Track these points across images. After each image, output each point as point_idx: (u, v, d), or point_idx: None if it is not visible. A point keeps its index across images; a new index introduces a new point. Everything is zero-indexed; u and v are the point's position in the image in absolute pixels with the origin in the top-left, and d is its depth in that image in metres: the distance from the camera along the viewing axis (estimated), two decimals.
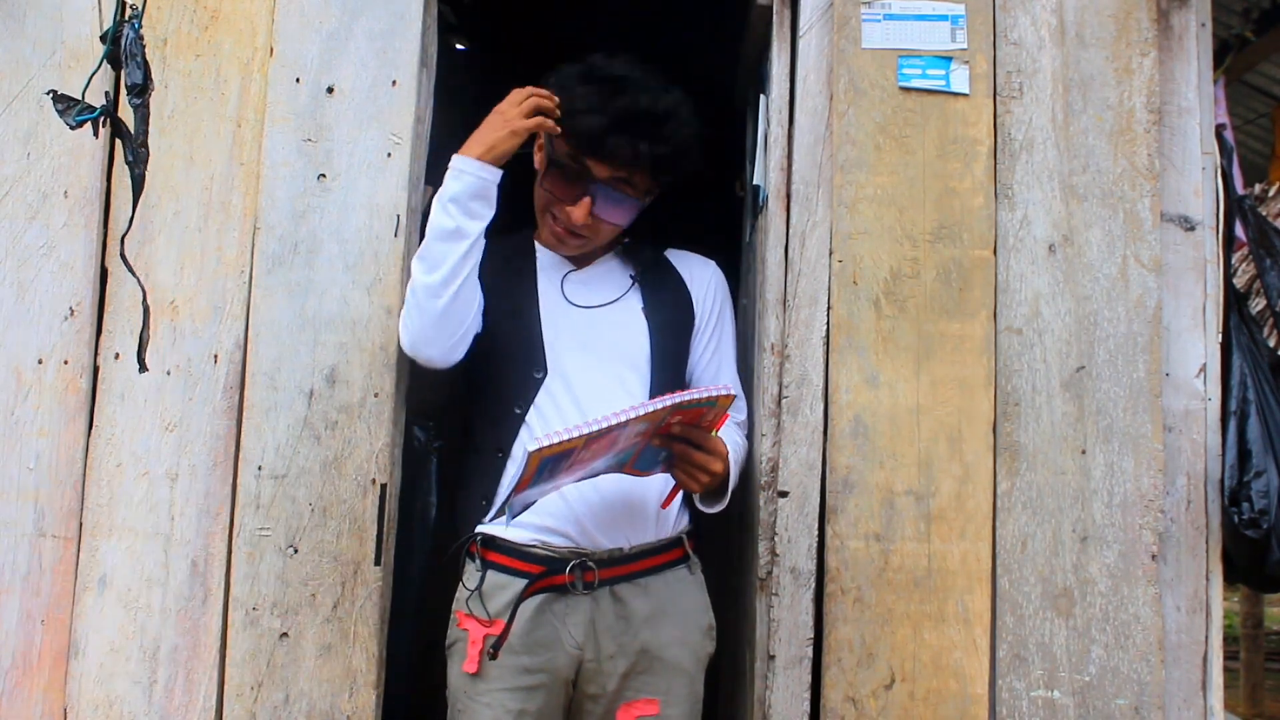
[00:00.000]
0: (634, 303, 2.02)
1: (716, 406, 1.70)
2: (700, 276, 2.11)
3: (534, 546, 1.88)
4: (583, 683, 1.89)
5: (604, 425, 1.58)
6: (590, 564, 1.87)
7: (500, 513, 1.71)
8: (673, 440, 1.73)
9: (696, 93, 1.99)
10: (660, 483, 1.91)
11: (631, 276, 2.05)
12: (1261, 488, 1.97)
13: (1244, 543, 1.97)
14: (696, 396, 1.66)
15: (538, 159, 2.01)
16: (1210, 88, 2.10)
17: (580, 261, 2.05)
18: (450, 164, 1.85)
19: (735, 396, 1.70)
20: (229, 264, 1.97)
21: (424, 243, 1.87)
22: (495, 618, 1.86)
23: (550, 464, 1.61)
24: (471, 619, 1.87)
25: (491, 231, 2.08)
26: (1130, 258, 1.99)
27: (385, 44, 2.00)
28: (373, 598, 1.90)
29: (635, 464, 1.79)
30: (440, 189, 1.85)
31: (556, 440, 1.56)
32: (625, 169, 1.90)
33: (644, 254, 2.09)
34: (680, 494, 1.98)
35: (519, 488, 1.62)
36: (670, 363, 2.00)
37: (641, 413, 1.61)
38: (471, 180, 1.83)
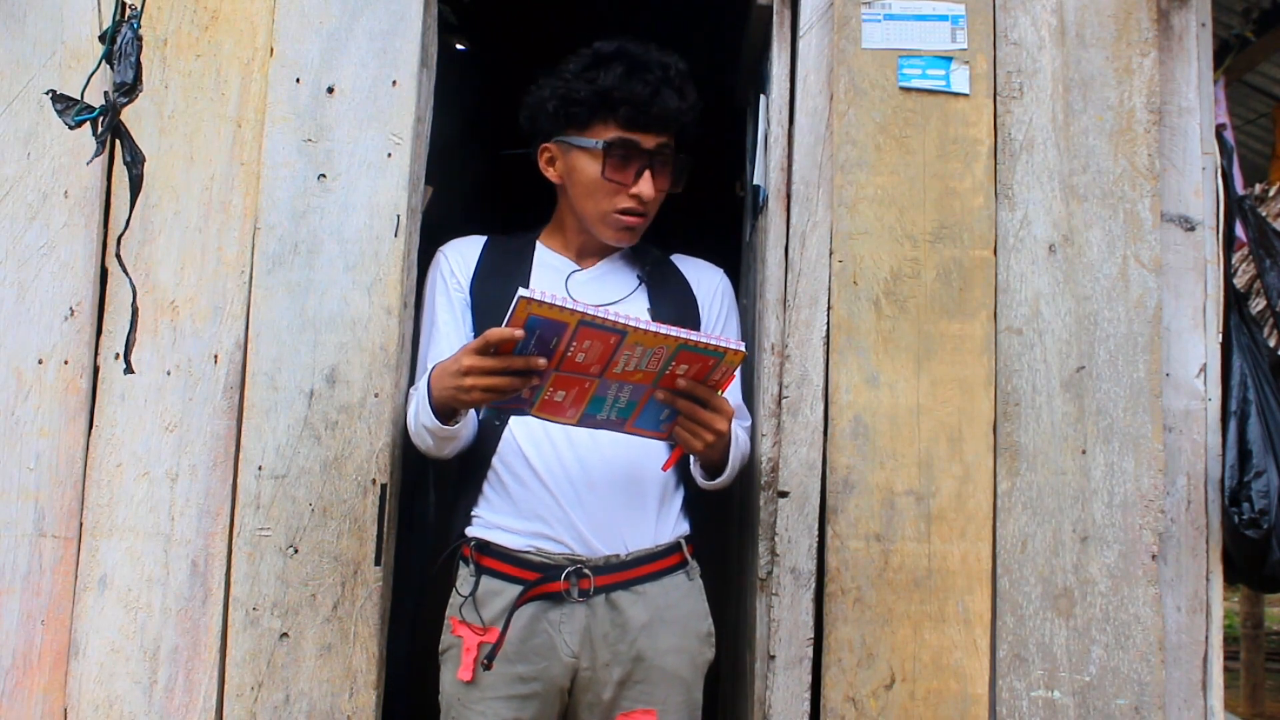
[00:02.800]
0: (640, 303, 2.00)
1: (725, 360, 1.65)
2: (707, 283, 2.09)
3: (529, 552, 1.87)
4: (578, 691, 1.87)
5: (602, 315, 1.54)
6: (586, 571, 1.85)
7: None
8: (677, 396, 1.70)
9: (696, 93, 1.98)
10: (657, 480, 1.90)
11: (639, 277, 2.04)
12: (1261, 488, 1.97)
13: (1244, 543, 1.96)
14: (706, 341, 1.62)
15: (551, 173, 1.99)
16: (1210, 88, 2.10)
17: (586, 261, 2.04)
18: (421, 409, 1.84)
19: (745, 355, 1.67)
20: (229, 264, 1.97)
21: (418, 423, 1.86)
22: (489, 625, 1.84)
23: (539, 332, 1.56)
24: (465, 626, 1.86)
25: (491, 232, 2.09)
26: (1130, 258, 1.98)
27: (385, 44, 1.99)
28: (373, 598, 1.90)
29: (637, 421, 1.75)
30: (419, 411, 1.85)
31: (550, 300, 1.51)
32: (668, 132, 1.92)
33: (650, 255, 2.08)
34: (680, 494, 1.98)
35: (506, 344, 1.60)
36: None
37: (644, 328, 1.57)
38: (441, 439, 1.87)
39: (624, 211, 1.93)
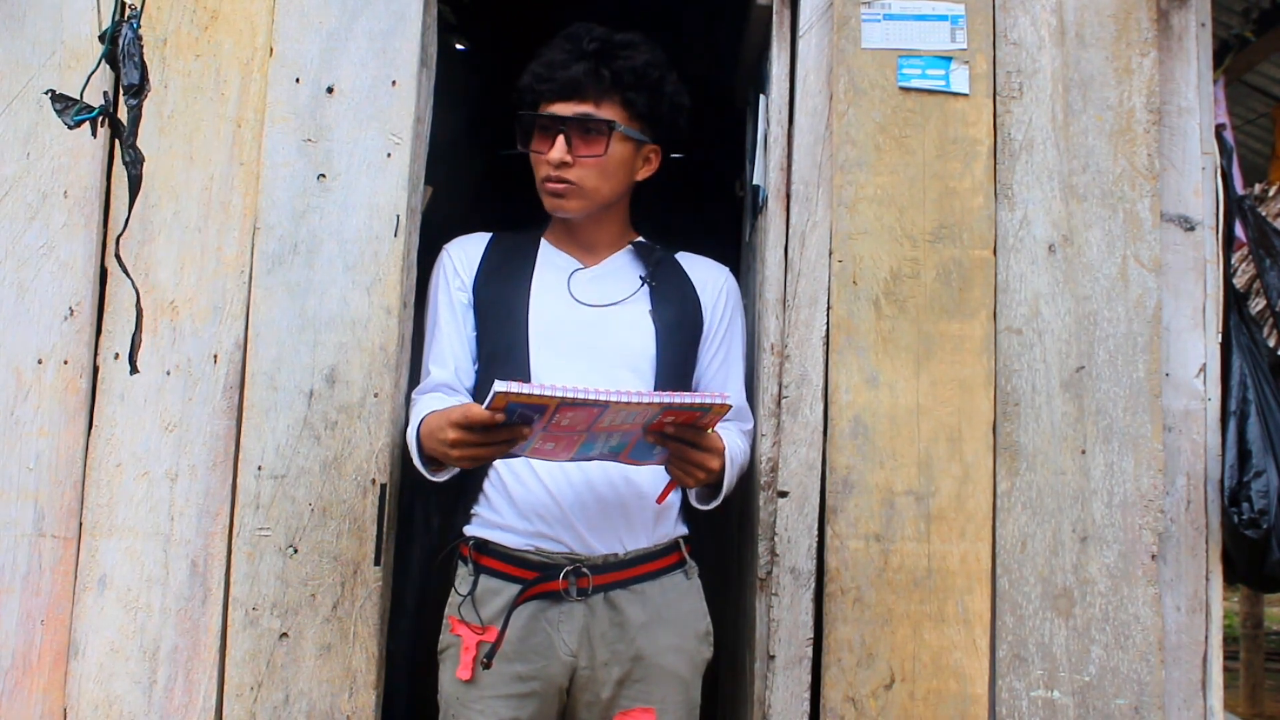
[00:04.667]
0: (642, 304, 1.99)
1: (711, 413, 1.65)
2: (713, 283, 2.07)
3: (527, 551, 1.86)
4: (577, 690, 1.87)
5: (581, 395, 1.53)
6: (585, 570, 1.85)
7: None
8: (667, 439, 1.70)
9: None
10: (655, 483, 1.88)
11: (641, 277, 2.02)
12: (1261, 488, 1.97)
13: (1244, 543, 1.96)
14: (689, 401, 1.61)
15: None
16: (1210, 88, 2.10)
17: (590, 259, 2.03)
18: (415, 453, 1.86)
19: (731, 407, 1.66)
20: (229, 264, 1.97)
21: (413, 457, 1.88)
22: (488, 624, 1.84)
23: (521, 414, 1.56)
24: (464, 625, 1.86)
25: (498, 228, 2.10)
26: (1130, 258, 1.98)
27: (385, 44, 1.99)
28: (372, 598, 1.90)
29: (631, 453, 1.75)
30: (412, 449, 1.86)
31: (526, 390, 1.51)
32: (590, 100, 1.92)
33: (654, 254, 2.06)
34: (679, 497, 1.98)
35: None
36: (675, 369, 1.96)
37: (625, 400, 1.56)
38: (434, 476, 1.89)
39: (545, 179, 1.95)
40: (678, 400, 1.60)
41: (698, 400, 1.61)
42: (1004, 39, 2.03)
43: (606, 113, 1.92)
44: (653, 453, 1.75)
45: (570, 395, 1.52)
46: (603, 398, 1.54)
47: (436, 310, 2.00)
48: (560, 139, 1.90)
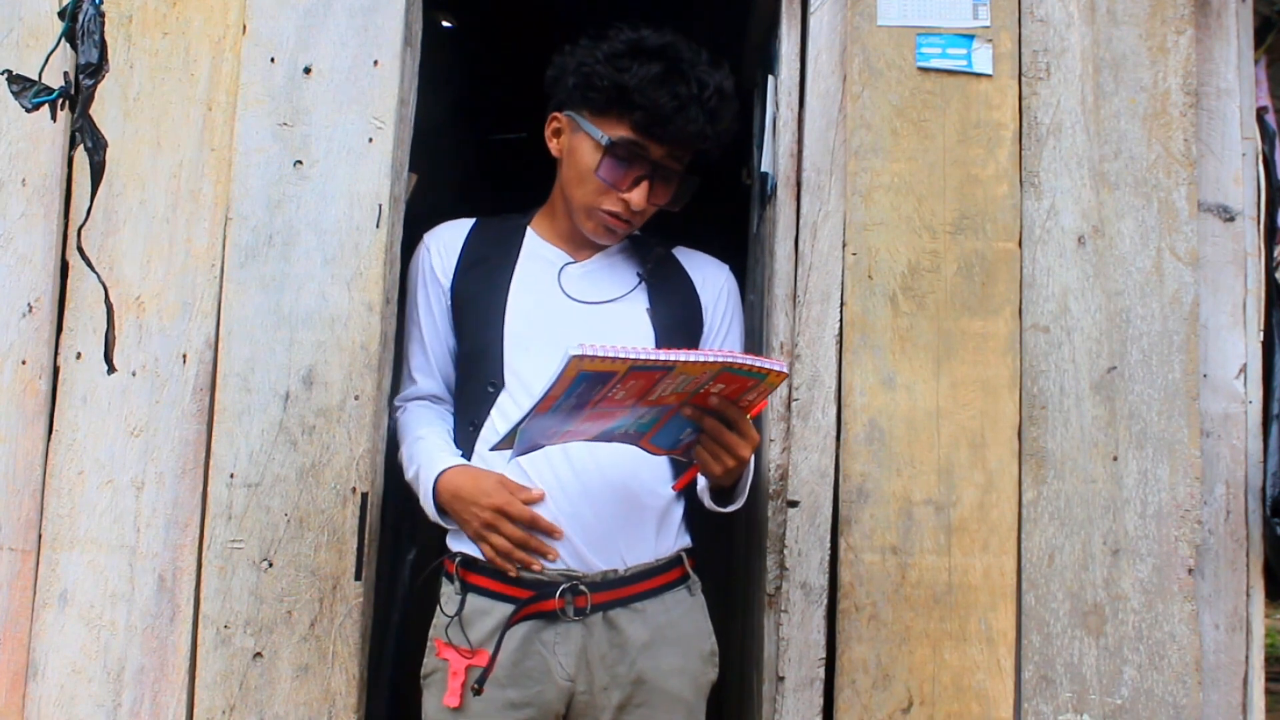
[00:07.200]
0: (639, 302, 1.89)
1: (765, 382, 1.56)
2: (712, 281, 1.98)
3: (520, 567, 1.76)
4: (574, 716, 1.78)
5: (653, 357, 1.47)
6: (582, 587, 1.75)
7: (507, 443, 1.57)
8: (705, 414, 1.60)
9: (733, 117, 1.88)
10: (655, 493, 1.80)
11: (638, 274, 1.93)
12: None
13: None
14: (749, 363, 1.53)
15: (554, 145, 1.89)
16: (1251, 68, 2.01)
17: (581, 253, 1.93)
18: (423, 497, 1.81)
19: (787, 376, 1.58)
20: (199, 257, 1.87)
21: (413, 488, 1.83)
22: (478, 647, 1.74)
23: (582, 387, 1.48)
24: (451, 648, 1.76)
25: (481, 214, 2.00)
26: (1165, 250, 1.89)
27: (366, 21, 1.89)
28: (353, 615, 1.80)
29: (654, 437, 1.66)
30: (417, 487, 1.82)
31: (603, 354, 1.43)
32: (683, 149, 1.81)
33: (652, 250, 1.97)
34: (682, 506, 1.89)
35: (545, 404, 1.48)
36: None
37: (688, 359, 1.49)
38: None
39: (609, 213, 1.82)
40: (740, 360, 1.53)
41: (759, 364, 1.53)
42: (1030, 15, 1.93)
43: (685, 160, 1.85)
44: (677, 438, 1.67)
45: (644, 357, 1.46)
46: (670, 358, 1.48)
47: (416, 311, 1.91)
48: (646, 184, 1.80)
